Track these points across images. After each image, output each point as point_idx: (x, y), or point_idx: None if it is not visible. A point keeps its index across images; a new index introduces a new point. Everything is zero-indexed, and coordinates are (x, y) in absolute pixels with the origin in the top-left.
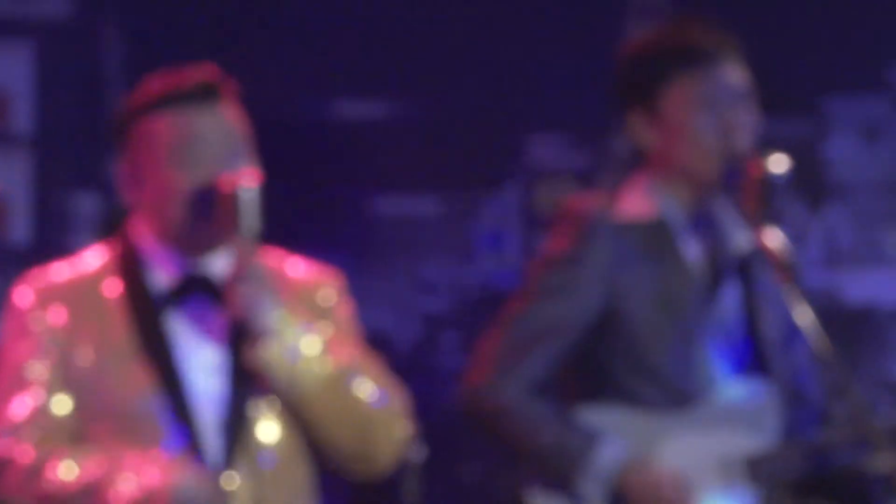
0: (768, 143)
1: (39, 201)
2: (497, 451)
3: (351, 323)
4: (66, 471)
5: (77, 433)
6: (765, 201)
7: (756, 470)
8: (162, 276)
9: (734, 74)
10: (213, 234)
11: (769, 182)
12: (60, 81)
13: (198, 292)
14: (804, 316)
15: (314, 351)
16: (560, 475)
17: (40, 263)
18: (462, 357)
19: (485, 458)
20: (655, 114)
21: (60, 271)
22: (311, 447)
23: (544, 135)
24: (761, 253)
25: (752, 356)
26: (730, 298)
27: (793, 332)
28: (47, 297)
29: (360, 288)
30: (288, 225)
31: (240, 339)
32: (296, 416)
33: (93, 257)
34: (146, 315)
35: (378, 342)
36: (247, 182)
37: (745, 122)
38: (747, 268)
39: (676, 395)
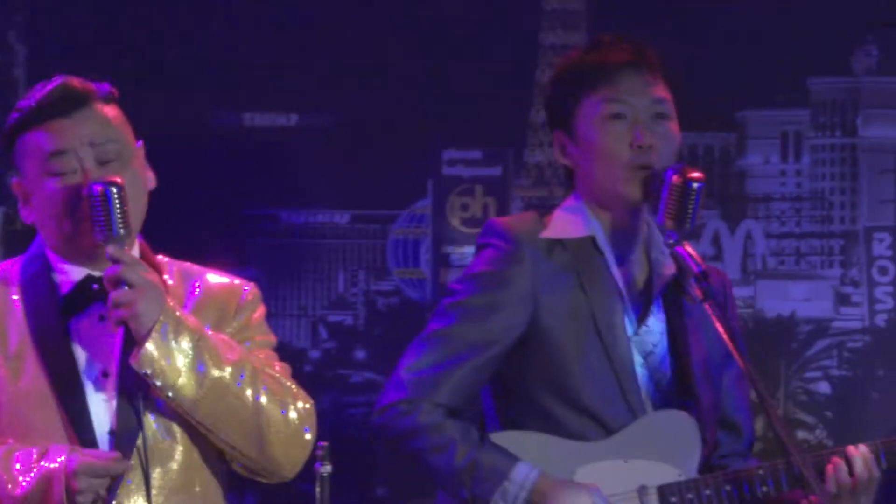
0: (688, 156)
1: None
2: (409, 470)
3: (262, 330)
4: None
5: None
6: (681, 214)
7: (669, 499)
8: (62, 284)
9: (644, 89)
10: (89, 239)
11: (686, 195)
12: None
13: (97, 299)
14: (725, 333)
15: (192, 354)
16: (474, 497)
17: None
18: (374, 371)
19: (396, 477)
20: (574, 135)
21: None
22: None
23: (458, 147)
24: (685, 271)
25: (677, 383)
26: (657, 322)
27: (726, 356)
28: None
29: (272, 301)
30: (200, 240)
31: (124, 344)
32: (186, 419)
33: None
34: (44, 321)
35: (290, 355)
36: (110, 184)
37: (661, 137)
38: (675, 290)
39: (597, 421)
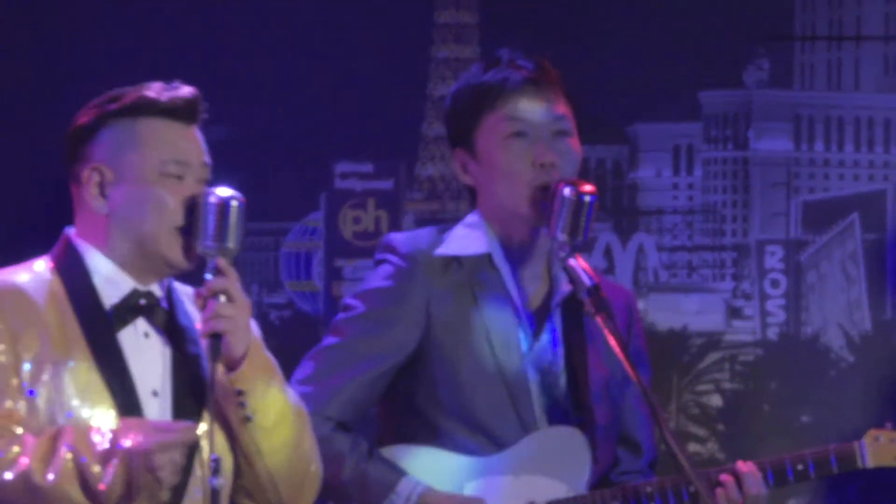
0: (580, 169)
1: None
2: None
3: None
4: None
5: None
6: (574, 228)
7: None
8: (107, 294)
9: (544, 107)
10: (180, 249)
11: (578, 208)
12: None
13: (142, 312)
14: (617, 346)
15: (275, 379)
16: None
17: None
18: None
19: None
20: (475, 153)
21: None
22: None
23: (350, 160)
24: (577, 284)
25: (574, 399)
26: (552, 338)
27: (623, 380)
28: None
29: None
30: None
31: (174, 363)
32: (246, 444)
33: (39, 268)
34: (99, 333)
35: None
36: (233, 196)
37: (562, 154)
38: (577, 306)
39: (488, 437)
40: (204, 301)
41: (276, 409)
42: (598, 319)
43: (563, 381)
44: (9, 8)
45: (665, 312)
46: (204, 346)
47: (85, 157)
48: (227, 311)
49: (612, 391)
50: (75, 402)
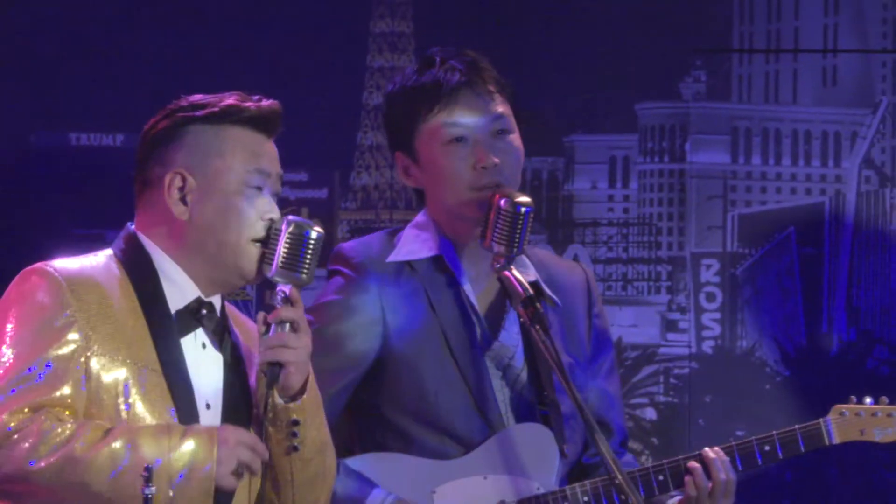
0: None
1: None
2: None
3: None
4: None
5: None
6: (510, 239)
7: None
8: (171, 297)
9: (482, 107)
10: (259, 270)
11: (514, 220)
12: None
13: (202, 322)
14: (551, 359)
15: (320, 412)
16: None
17: None
18: None
19: None
20: (416, 157)
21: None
22: None
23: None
24: (512, 296)
25: (537, 393)
26: (511, 334)
27: (591, 358)
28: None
29: None
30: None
31: (226, 379)
32: (282, 473)
33: (108, 262)
34: (166, 337)
35: None
36: (313, 226)
37: (504, 153)
38: (529, 303)
39: (455, 439)
40: (267, 327)
41: (319, 442)
42: (533, 331)
43: (524, 375)
44: None
45: None
46: (256, 369)
47: (165, 161)
48: (293, 343)
49: (577, 379)
50: (138, 404)
